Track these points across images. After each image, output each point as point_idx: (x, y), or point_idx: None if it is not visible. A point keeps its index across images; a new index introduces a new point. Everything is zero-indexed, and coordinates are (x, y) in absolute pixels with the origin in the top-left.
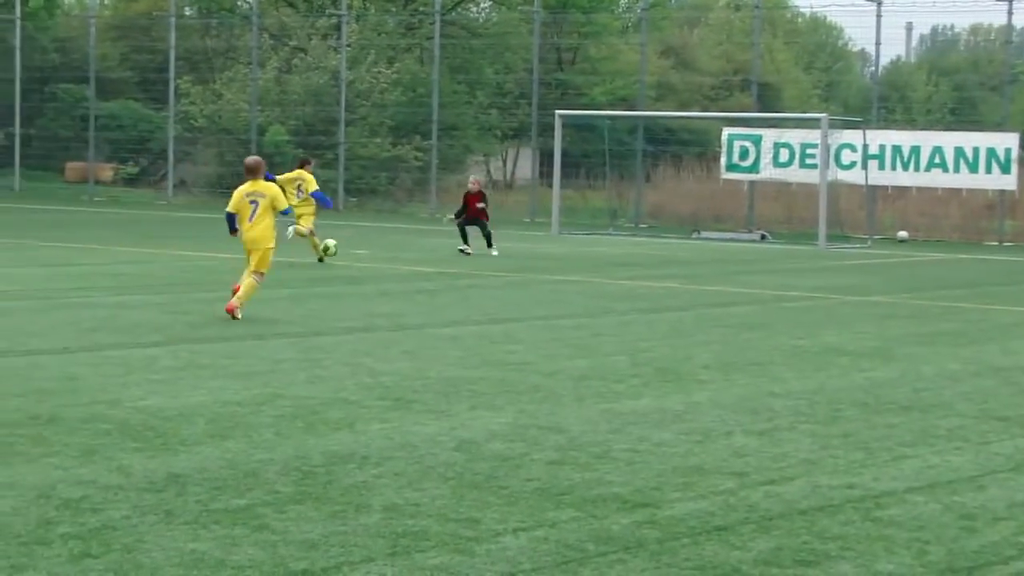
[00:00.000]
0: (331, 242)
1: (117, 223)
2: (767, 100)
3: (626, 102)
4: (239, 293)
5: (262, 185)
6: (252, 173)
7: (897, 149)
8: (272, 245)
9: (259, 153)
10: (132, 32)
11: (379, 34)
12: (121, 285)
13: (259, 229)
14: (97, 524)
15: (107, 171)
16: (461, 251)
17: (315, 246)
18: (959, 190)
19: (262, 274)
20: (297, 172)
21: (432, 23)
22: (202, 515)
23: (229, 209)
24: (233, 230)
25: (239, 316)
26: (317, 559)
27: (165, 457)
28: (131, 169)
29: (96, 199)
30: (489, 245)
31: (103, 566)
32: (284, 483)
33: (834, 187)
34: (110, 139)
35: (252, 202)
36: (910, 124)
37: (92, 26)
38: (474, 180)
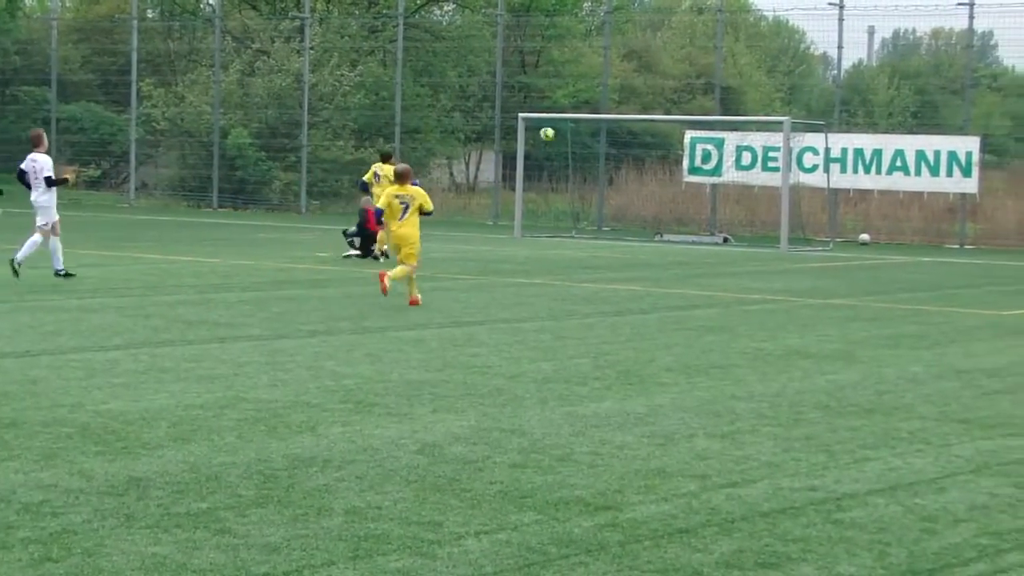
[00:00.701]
0: None
1: (79, 226)
2: (729, 103)
3: (589, 105)
4: (392, 273)
5: (411, 189)
6: (401, 179)
7: (859, 152)
8: (418, 241)
9: (221, 156)
10: (94, 34)
11: (342, 37)
12: (83, 288)
13: (408, 227)
14: (57, 528)
15: (69, 174)
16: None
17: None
18: (921, 193)
19: (413, 266)
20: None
21: (395, 26)
22: (163, 519)
23: (379, 205)
24: (380, 222)
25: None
26: (279, 563)
27: (126, 461)
28: (93, 172)
29: (58, 202)
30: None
31: (63, 570)
32: (246, 486)
33: (796, 190)
34: (72, 142)
35: (403, 204)
36: (872, 127)
37: (54, 28)
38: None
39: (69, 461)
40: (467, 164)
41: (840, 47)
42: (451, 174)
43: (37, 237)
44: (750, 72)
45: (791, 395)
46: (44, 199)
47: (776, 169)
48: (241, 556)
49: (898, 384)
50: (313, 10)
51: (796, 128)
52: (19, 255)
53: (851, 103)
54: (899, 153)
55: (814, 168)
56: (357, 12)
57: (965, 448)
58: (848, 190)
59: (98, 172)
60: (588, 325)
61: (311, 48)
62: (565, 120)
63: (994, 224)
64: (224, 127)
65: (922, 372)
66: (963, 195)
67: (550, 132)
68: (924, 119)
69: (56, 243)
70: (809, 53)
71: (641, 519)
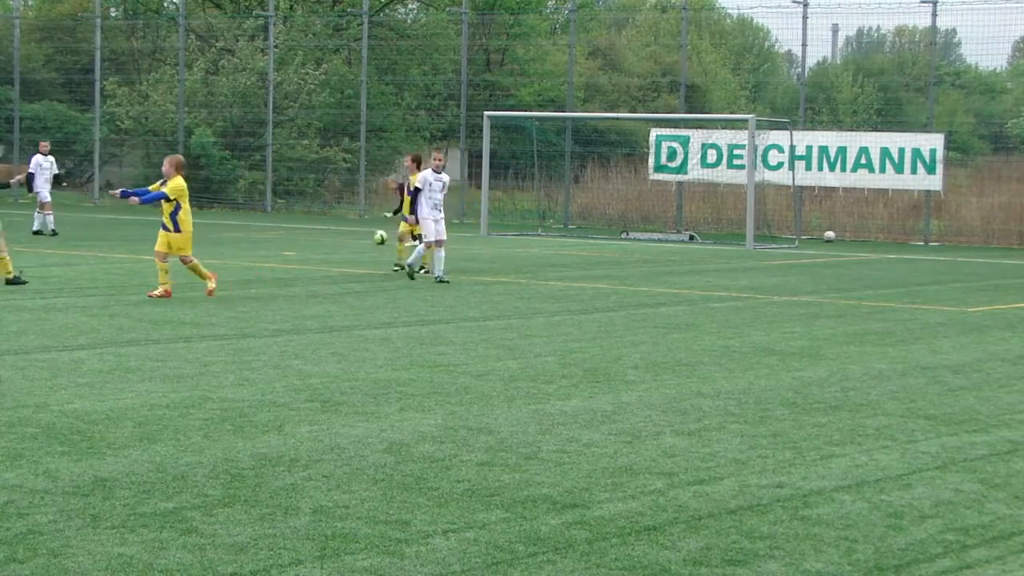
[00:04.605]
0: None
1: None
2: (695, 101)
3: (554, 103)
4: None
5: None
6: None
7: (824, 150)
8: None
9: (186, 154)
10: (57, 33)
11: (306, 35)
12: (47, 288)
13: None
14: (23, 529)
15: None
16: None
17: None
18: (885, 190)
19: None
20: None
21: (360, 24)
22: (129, 519)
23: None
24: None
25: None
26: (246, 562)
27: (92, 461)
28: (56, 171)
29: (21, 201)
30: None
31: (29, 571)
32: (212, 486)
33: (761, 188)
34: (35, 141)
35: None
36: (836, 125)
37: (16, 27)
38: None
39: (34, 461)
40: None
41: (804, 45)
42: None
43: (421, 247)
44: (715, 70)
45: (757, 392)
46: (422, 213)
47: (741, 167)
48: (208, 556)
49: (864, 381)
50: (277, 8)
51: (761, 126)
52: (411, 261)
53: (816, 101)
54: (864, 151)
55: (779, 166)
56: (321, 10)
57: (931, 444)
58: (813, 187)
59: (62, 171)
60: (555, 323)
61: (275, 47)
62: (530, 118)
63: (959, 221)
64: (188, 126)
65: (887, 369)
66: (928, 192)
67: (379, 237)
68: (888, 117)
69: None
70: (773, 51)
71: (608, 517)
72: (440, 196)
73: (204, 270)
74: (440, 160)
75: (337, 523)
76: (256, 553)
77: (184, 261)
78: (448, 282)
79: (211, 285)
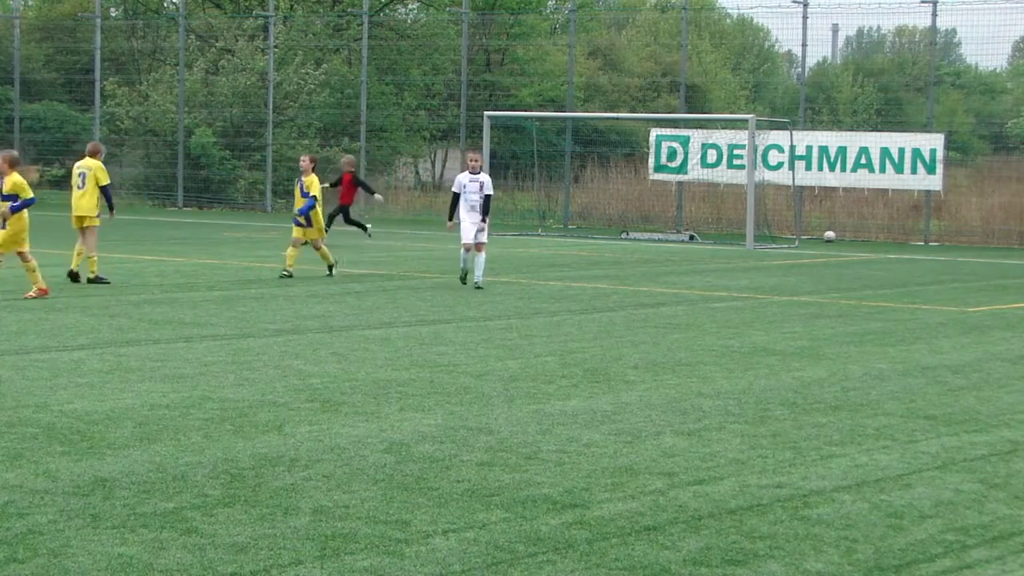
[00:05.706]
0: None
1: (43, 225)
2: (695, 101)
3: (554, 103)
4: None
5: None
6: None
7: (824, 150)
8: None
9: (186, 155)
10: (57, 33)
11: (306, 35)
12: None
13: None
14: (23, 529)
15: (32, 173)
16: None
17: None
18: (885, 191)
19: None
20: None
21: (360, 24)
22: (129, 519)
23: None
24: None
25: None
26: (246, 562)
27: (92, 461)
28: (57, 171)
29: None
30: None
31: (29, 571)
32: (212, 486)
33: (761, 188)
34: (35, 141)
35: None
36: (836, 125)
37: (16, 27)
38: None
39: (34, 462)
40: (433, 163)
41: (804, 45)
42: (416, 173)
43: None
44: (715, 70)
45: (757, 392)
46: (460, 216)
47: (741, 167)
48: (208, 556)
49: (864, 381)
50: (277, 8)
51: (761, 126)
52: (477, 277)
53: (816, 101)
54: (864, 151)
55: (779, 166)
56: (321, 10)
57: (931, 444)
58: (813, 187)
59: (62, 171)
60: (555, 323)
61: (275, 46)
62: (530, 118)
63: (959, 221)
64: (188, 126)
65: (888, 369)
66: (928, 192)
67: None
68: (888, 117)
69: (479, 258)
70: (773, 51)
71: (608, 517)
72: (476, 198)
73: (39, 275)
74: (476, 161)
75: (337, 523)
76: (256, 553)
77: (23, 257)
78: (481, 288)
79: (31, 294)
